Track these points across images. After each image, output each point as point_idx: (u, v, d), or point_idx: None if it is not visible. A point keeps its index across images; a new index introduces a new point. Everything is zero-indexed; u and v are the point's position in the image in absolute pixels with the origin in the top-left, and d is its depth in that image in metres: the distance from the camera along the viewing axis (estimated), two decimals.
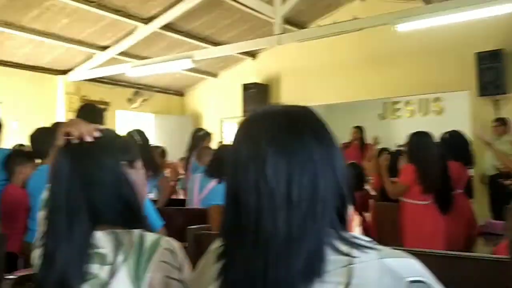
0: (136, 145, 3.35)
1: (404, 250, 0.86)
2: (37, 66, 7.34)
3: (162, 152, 5.17)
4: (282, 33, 5.64)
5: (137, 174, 1.20)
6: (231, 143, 0.89)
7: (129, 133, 3.50)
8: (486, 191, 6.07)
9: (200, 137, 4.61)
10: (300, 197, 0.77)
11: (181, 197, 5.00)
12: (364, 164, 4.74)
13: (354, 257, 0.77)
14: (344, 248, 0.78)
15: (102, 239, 1.06)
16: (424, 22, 4.96)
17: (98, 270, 1.03)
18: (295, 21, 7.57)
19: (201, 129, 4.99)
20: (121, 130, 7.71)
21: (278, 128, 0.82)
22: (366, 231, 3.75)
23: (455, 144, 4.00)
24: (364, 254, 0.77)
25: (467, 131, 6.13)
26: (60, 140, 1.16)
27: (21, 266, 2.93)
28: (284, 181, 0.77)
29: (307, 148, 0.80)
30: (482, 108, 6.54)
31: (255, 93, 8.25)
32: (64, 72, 7.66)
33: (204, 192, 3.52)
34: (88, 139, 1.13)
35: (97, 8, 6.02)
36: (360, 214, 3.71)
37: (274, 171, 0.78)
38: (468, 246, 3.75)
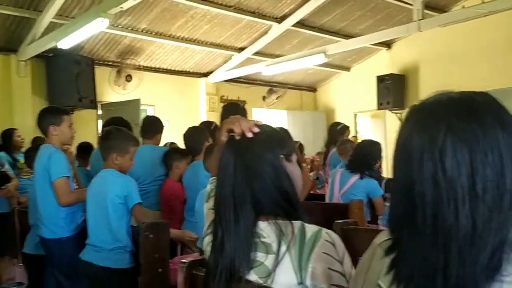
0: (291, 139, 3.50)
1: None
2: (182, 71, 8.03)
3: (300, 147, 5.28)
4: (422, 19, 5.31)
5: (293, 166, 1.23)
6: (397, 142, 0.86)
7: None
8: None
9: (338, 131, 4.59)
10: (484, 189, 0.72)
11: (319, 192, 5.05)
12: None
13: None
14: None
15: (266, 229, 1.12)
16: None
17: (263, 258, 1.09)
18: (436, 5, 7.08)
19: (338, 123, 4.96)
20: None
21: (456, 115, 0.76)
22: None
23: None
24: None
25: None
26: (224, 136, 1.24)
27: (179, 253, 3.25)
28: (466, 172, 0.73)
29: (491, 135, 0.74)
30: None
31: (391, 84, 7.93)
32: (205, 74, 8.27)
33: (345, 187, 3.51)
34: (249, 134, 1.18)
35: (234, 11, 6.38)
36: None
37: (455, 161, 0.73)
38: None
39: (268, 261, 1.08)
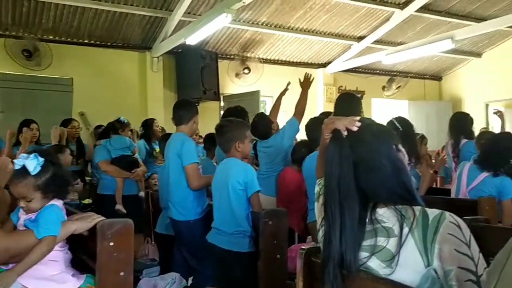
0: (397, 131, 3.38)
1: None
2: (300, 62, 8.10)
3: (422, 139, 5.00)
4: None
5: (403, 156, 1.24)
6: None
7: (391, 121, 3.50)
8: None
9: (470, 120, 4.26)
10: None
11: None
12: None
13: None
14: None
15: (385, 213, 1.13)
16: None
17: (385, 242, 1.10)
18: None
19: (465, 113, 4.59)
20: (377, 117, 7.79)
21: None
22: None
23: None
24: None
25: None
26: (326, 138, 1.28)
27: (297, 241, 3.33)
28: None
29: None
30: None
31: None
32: (323, 65, 8.23)
33: (474, 183, 3.25)
34: (354, 128, 1.21)
35: (354, 0, 6.23)
36: None
37: None
38: None
39: (390, 244, 1.09)
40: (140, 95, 6.78)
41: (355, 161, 1.18)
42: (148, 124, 4.97)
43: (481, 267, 1.04)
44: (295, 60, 8.01)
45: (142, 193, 4.16)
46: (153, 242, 3.70)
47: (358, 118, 1.25)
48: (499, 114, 5.13)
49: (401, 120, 3.51)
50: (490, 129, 7.59)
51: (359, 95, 8.05)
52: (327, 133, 1.29)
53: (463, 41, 7.58)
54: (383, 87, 8.71)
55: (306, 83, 3.98)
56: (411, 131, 3.58)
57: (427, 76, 9.20)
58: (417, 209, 1.11)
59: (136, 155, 4.52)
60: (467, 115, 4.43)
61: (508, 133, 3.50)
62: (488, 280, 0.90)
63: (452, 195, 3.58)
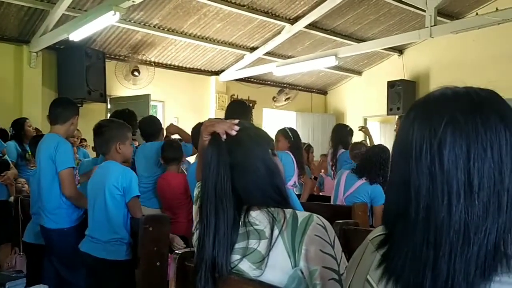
0: (289, 140, 3.49)
1: None
2: (193, 68, 8.05)
3: (308, 148, 5.25)
4: (434, 25, 5.27)
5: (278, 161, 1.28)
6: (397, 134, 0.85)
7: (284, 129, 3.61)
8: None
9: (348, 132, 4.57)
10: (481, 186, 0.70)
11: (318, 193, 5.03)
12: None
13: None
14: None
15: (258, 216, 1.14)
16: None
17: (256, 244, 1.11)
18: (449, 12, 7.05)
19: (345, 125, 4.94)
20: (267, 127, 8.10)
21: (460, 109, 0.74)
22: None
23: None
24: None
25: None
26: (205, 140, 1.28)
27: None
28: (463, 167, 0.71)
29: (493, 131, 0.72)
30: None
31: (402, 90, 7.87)
32: (216, 73, 8.27)
33: (351, 190, 3.48)
34: (233, 132, 1.22)
35: (247, 11, 6.37)
36: None
37: (452, 154, 0.71)
38: None
39: (261, 246, 1.10)
40: (14, 92, 6.15)
41: (232, 163, 1.18)
42: (19, 124, 4.57)
43: (343, 266, 1.09)
44: (188, 66, 7.94)
45: (12, 199, 3.77)
46: (22, 253, 3.35)
47: (237, 121, 1.25)
48: (364, 129, 5.62)
49: (293, 130, 3.67)
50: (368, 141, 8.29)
51: (250, 104, 8.24)
52: (206, 135, 1.28)
53: (346, 59, 8.16)
54: (274, 98, 9.02)
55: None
56: (300, 141, 3.76)
57: (314, 90, 9.73)
58: (288, 211, 1.14)
59: (6, 157, 4.10)
60: (346, 126, 4.76)
61: (381, 145, 3.81)
62: (347, 277, 0.93)
63: (331, 202, 3.80)
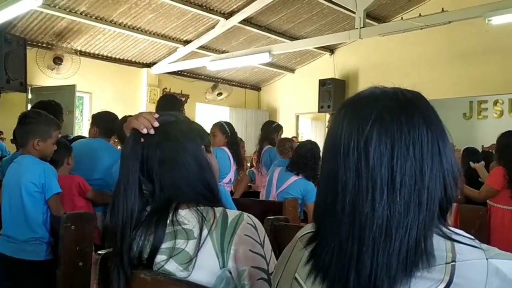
0: (226, 135, 3.43)
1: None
2: (124, 59, 7.77)
3: (240, 143, 5.25)
4: (363, 27, 5.48)
5: (212, 157, 1.25)
6: (328, 131, 0.86)
7: (219, 124, 3.54)
8: None
9: (273, 129, 4.61)
10: (403, 183, 0.72)
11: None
12: None
13: (457, 254, 0.71)
14: (446, 243, 0.73)
15: (187, 215, 1.10)
16: None
17: (184, 245, 1.07)
18: (377, 15, 7.37)
19: (273, 122, 4.98)
20: (201, 122, 7.95)
21: (386, 108, 0.77)
22: None
23: None
24: (468, 252, 0.72)
25: None
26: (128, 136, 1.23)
27: None
28: (387, 164, 0.73)
29: (415, 131, 0.75)
30: None
31: (332, 88, 8.12)
32: (148, 65, 8.04)
33: (283, 186, 3.52)
34: (151, 131, 1.16)
35: (181, 3, 6.24)
36: None
37: (377, 152, 0.73)
38: None
39: (189, 246, 1.06)
40: None
41: (161, 158, 1.14)
42: None
43: (272, 265, 1.08)
44: (118, 57, 7.64)
45: None
46: None
47: (156, 115, 1.19)
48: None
49: (229, 124, 3.61)
50: (300, 138, 8.47)
51: (183, 99, 8.10)
52: (127, 131, 1.22)
53: (280, 56, 8.28)
54: (207, 93, 8.94)
55: None
56: (237, 136, 3.72)
57: (248, 86, 9.77)
58: (218, 210, 1.11)
59: None
60: (272, 123, 4.81)
61: (311, 141, 3.88)
62: (275, 275, 0.93)
63: (263, 197, 3.83)
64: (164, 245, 1.09)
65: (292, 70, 9.38)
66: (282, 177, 3.55)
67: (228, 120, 8.79)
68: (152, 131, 1.17)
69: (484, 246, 0.74)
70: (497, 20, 4.68)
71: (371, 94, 0.82)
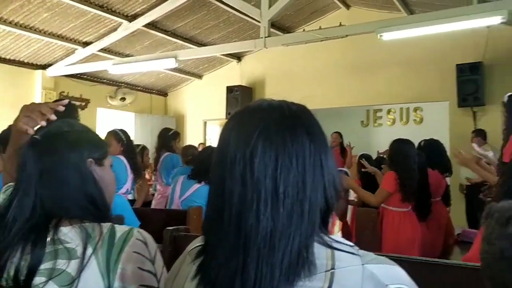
0: (122, 143, 3.29)
1: (383, 255, 0.84)
2: (16, 60, 7.17)
3: (143, 150, 5.07)
4: (268, 36, 5.62)
5: (105, 171, 1.18)
6: (217, 142, 0.86)
7: (113, 132, 3.41)
8: (463, 200, 6.15)
9: (170, 136, 4.55)
10: (286, 193, 0.74)
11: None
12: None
13: (336, 261, 0.74)
14: (327, 252, 0.76)
15: (70, 233, 1.03)
16: (407, 32, 5.01)
17: (65, 265, 0.99)
18: (281, 26, 7.61)
19: (169, 129, 4.93)
20: (102, 128, 7.62)
21: (271, 120, 0.79)
22: (347, 236, 3.74)
23: (432, 152, 4.05)
24: (347, 259, 0.75)
25: (446, 140, 6.24)
26: (22, 122, 1.19)
27: None
28: (271, 175, 0.74)
29: (299, 144, 0.77)
30: (461, 119, 6.64)
31: (239, 95, 8.23)
32: (43, 66, 7.50)
33: (187, 194, 3.46)
34: (43, 123, 1.14)
35: (79, 2, 5.91)
36: (341, 220, 3.71)
37: (262, 163, 0.75)
38: (444, 253, 3.78)
39: (71, 267, 0.99)
40: None
41: (42, 170, 1.06)
42: None
43: (162, 282, 1.04)
44: (8, 57, 7.03)
45: None
46: None
47: (62, 107, 1.16)
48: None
49: (124, 132, 3.47)
50: (208, 144, 8.44)
51: (82, 103, 7.68)
52: (21, 118, 1.19)
53: (187, 61, 8.20)
54: (110, 98, 8.56)
55: None
56: (133, 144, 3.59)
57: (154, 91, 9.54)
58: (106, 226, 1.06)
59: None
60: (169, 131, 4.77)
61: (211, 147, 3.88)
62: (165, 287, 0.91)
63: (166, 206, 3.74)
64: (43, 266, 1.00)
65: (199, 76, 9.34)
66: (185, 185, 3.51)
67: (132, 126, 8.56)
68: (43, 123, 1.10)
69: (362, 252, 0.78)
70: (388, 36, 5.06)
71: (258, 107, 0.83)
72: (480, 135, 6.01)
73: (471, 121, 6.51)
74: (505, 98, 3.22)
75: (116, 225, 1.07)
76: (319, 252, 0.75)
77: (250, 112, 0.83)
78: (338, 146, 7.51)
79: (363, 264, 0.74)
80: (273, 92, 8.28)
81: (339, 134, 7.67)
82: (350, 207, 4.37)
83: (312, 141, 0.79)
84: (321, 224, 0.80)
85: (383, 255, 0.83)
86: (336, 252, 0.76)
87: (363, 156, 4.50)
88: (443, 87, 6.71)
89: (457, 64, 6.44)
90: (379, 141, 8.90)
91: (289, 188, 0.74)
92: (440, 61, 6.70)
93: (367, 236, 3.48)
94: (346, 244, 0.78)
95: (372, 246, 3.31)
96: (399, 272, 0.77)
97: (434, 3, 6.15)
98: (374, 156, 5.18)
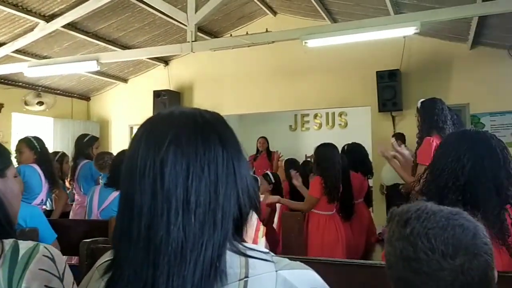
0: (35, 151, 3.08)
1: (306, 259, 0.85)
2: None
3: (63, 157, 4.78)
4: (195, 41, 5.56)
5: (7, 183, 1.13)
6: (127, 151, 0.82)
7: (25, 139, 3.18)
8: (384, 200, 6.47)
9: (85, 144, 4.34)
10: (198, 203, 0.73)
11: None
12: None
13: (250, 269, 0.74)
14: (240, 260, 0.75)
15: None
16: (330, 40, 5.19)
17: None
18: (209, 30, 7.57)
19: (86, 135, 4.72)
20: (18, 134, 7.11)
21: (183, 128, 0.77)
22: (273, 241, 3.78)
23: (355, 156, 4.22)
24: (261, 266, 0.75)
25: (369, 144, 6.54)
26: None
27: None
28: (183, 185, 0.73)
29: (211, 152, 0.76)
30: (381, 123, 6.99)
31: (167, 100, 8.06)
32: None
33: (105, 203, 3.31)
34: None
35: None
36: (267, 224, 3.73)
37: (173, 173, 0.73)
38: (367, 252, 3.95)
39: None
40: None
41: None
42: None
43: None
44: None
45: None
46: None
47: None
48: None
49: (38, 139, 3.27)
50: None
51: None
52: None
53: (110, 65, 7.89)
54: (26, 102, 8.02)
55: None
56: (48, 151, 3.39)
57: (75, 95, 9.09)
58: (8, 243, 0.98)
59: None
60: (85, 137, 4.60)
61: (123, 151, 3.76)
62: None
63: (85, 217, 3.55)
64: None
65: (125, 80, 9.04)
66: (102, 194, 3.36)
67: (51, 132, 8.08)
68: None
69: (276, 258, 0.78)
70: (312, 43, 5.20)
71: (169, 115, 0.81)
72: (400, 138, 6.35)
73: (390, 125, 6.87)
74: (418, 104, 3.44)
75: (20, 241, 1.00)
76: (233, 260, 0.74)
77: (161, 120, 0.81)
78: (265, 150, 7.63)
79: (276, 271, 0.74)
80: (202, 97, 8.22)
81: (265, 139, 7.80)
82: (278, 212, 4.42)
83: (225, 149, 0.78)
84: (234, 232, 0.79)
85: (308, 259, 0.83)
86: (250, 260, 0.75)
87: (289, 160, 4.58)
88: (365, 92, 7.03)
89: (377, 71, 6.77)
90: (307, 145, 9.15)
91: (201, 198, 0.73)
92: (362, 68, 7.01)
93: (293, 240, 3.54)
94: (261, 251, 0.78)
95: (298, 249, 3.37)
96: (313, 276, 0.78)
97: (355, 13, 6.43)
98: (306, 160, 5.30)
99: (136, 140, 0.79)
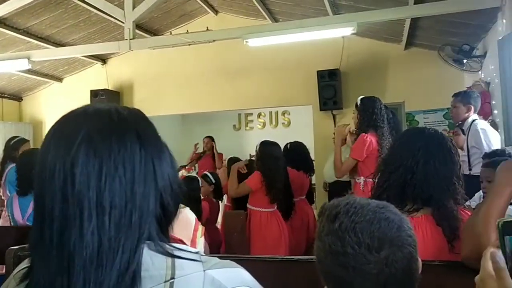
0: None
1: (248, 257, 0.83)
2: None
3: None
4: (133, 38, 5.40)
5: None
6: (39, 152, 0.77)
7: None
8: (326, 197, 6.61)
9: (12, 146, 4.10)
10: (112, 204, 0.69)
11: None
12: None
13: (177, 270, 0.72)
14: (167, 261, 0.72)
15: None
16: (271, 39, 5.23)
17: None
18: (149, 28, 7.39)
19: (13, 137, 4.46)
20: None
21: (97, 126, 0.73)
22: (215, 241, 3.75)
23: (297, 154, 4.29)
24: (188, 266, 0.73)
25: (311, 142, 6.66)
26: None
27: None
28: (96, 186, 0.69)
29: (127, 150, 0.72)
30: (323, 122, 7.15)
31: (105, 100, 7.78)
32: None
33: (29, 210, 3.12)
34: None
35: None
36: (208, 224, 3.69)
37: (85, 174, 0.69)
38: (310, 248, 4.01)
39: None
40: None
41: None
42: None
43: None
44: None
45: None
46: None
47: None
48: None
49: None
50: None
51: None
52: None
53: (44, 63, 7.51)
54: None
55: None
56: None
57: (6, 95, 8.56)
58: None
59: None
60: (12, 139, 4.40)
61: (29, 150, 3.64)
62: None
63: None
64: None
65: (59, 79, 8.63)
66: (23, 203, 3.17)
67: None
68: None
69: (204, 258, 0.76)
70: (254, 42, 5.21)
71: (83, 112, 0.77)
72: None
73: (331, 123, 7.04)
74: (358, 101, 3.55)
75: None
76: (158, 262, 0.72)
77: (73, 118, 0.77)
78: (211, 150, 7.58)
79: (204, 270, 0.73)
80: (143, 96, 8.02)
81: (211, 138, 7.74)
82: (221, 211, 4.39)
83: (143, 147, 0.74)
84: (160, 232, 0.76)
85: (251, 257, 0.82)
86: (177, 260, 0.73)
87: (232, 159, 4.57)
88: (306, 92, 7.15)
89: (318, 71, 6.91)
90: (251, 144, 9.17)
91: (116, 198, 0.69)
92: (303, 67, 7.13)
93: (236, 238, 3.53)
94: (189, 251, 0.76)
95: (241, 248, 3.36)
96: (242, 274, 0.77)
97: (296, 13, 6.53)
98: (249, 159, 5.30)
99: (46, 141, 0.75)
